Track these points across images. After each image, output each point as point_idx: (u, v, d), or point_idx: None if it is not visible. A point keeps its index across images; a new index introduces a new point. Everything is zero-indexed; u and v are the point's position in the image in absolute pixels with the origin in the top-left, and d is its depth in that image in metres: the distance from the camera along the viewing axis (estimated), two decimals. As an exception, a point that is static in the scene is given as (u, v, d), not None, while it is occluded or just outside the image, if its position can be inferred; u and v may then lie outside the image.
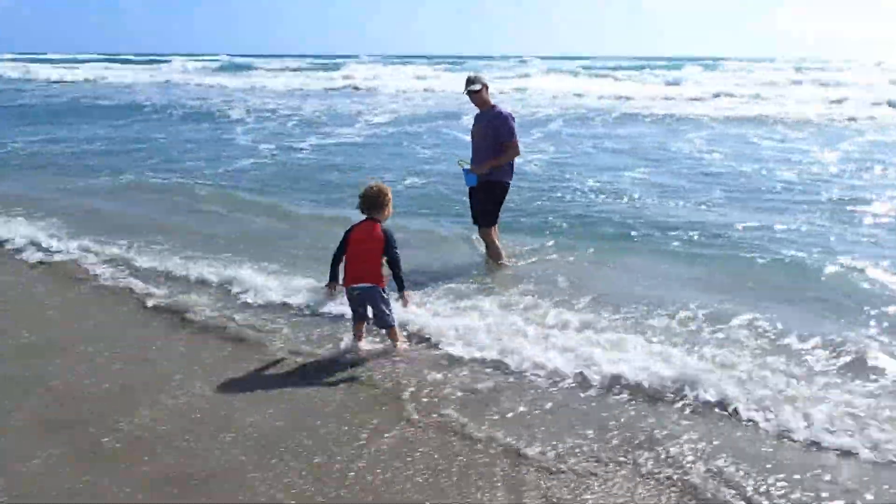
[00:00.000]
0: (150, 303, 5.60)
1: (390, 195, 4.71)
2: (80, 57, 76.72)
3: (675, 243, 7.34)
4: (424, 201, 9.52)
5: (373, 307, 4.66)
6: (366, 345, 4.79)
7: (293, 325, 5.18)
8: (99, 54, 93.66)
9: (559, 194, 9.84)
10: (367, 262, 4.57)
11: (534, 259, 6.76)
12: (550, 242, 7.25)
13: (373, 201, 4.63)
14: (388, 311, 4.64)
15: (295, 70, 48.20)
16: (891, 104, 22.22)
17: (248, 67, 52.92)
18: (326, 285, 4.85)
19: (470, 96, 6.27)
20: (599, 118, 20.53)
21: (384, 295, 4.63)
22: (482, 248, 6.75)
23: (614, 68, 46.39)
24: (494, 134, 6.18)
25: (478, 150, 6.30)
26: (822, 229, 7.92)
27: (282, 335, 4.99)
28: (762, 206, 9.18)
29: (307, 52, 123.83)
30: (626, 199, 9.55)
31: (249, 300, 5.61)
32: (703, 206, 9.15)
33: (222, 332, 5.05)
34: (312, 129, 18.32)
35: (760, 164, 12.42)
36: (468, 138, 6.62)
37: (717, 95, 26.69)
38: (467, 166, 6.34)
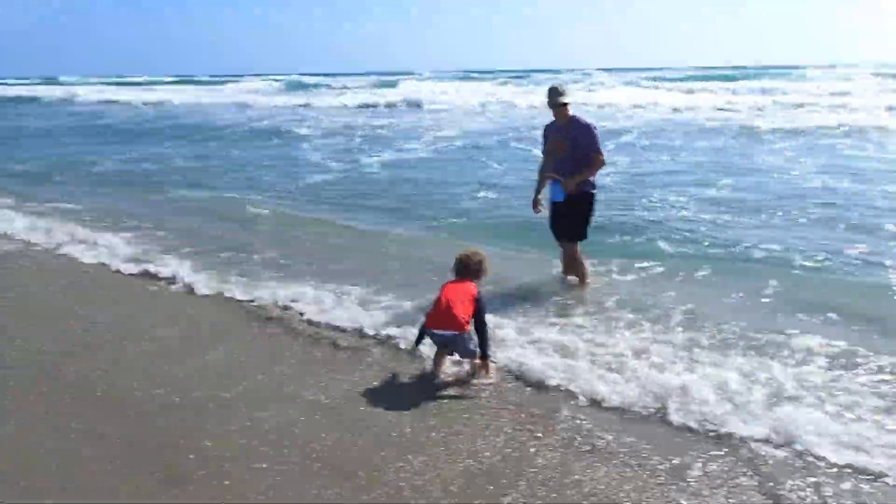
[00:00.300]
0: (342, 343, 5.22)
1: (487, 263, 4.70)
2: (152, 79, 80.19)
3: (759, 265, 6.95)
4: (498, 218, 9.29)
5: (457, 351, 4.52)
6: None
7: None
8: (167, 75, 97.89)
9: (638, 210, 9.46)
10: (454, 310, 4.37)
11: (618, 278, 6.48)
12: (634, 262, 6.91)
13: (470, 269, 4.61)
14: (473, 347, 4.45)
15: (356, 88, 48.45)
16: None
17: (312, 86, 53.99)
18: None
19: (557, 109, 5.96)
20: (680, 129, 19.82)
21: (469, 337, 4.43)
22: (557, 268, 6.51)
23: (684, 79, 44.90)
24: (580, 146, 5.90)
25: (562, 163, 5.98)
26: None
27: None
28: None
29: (370, 70, 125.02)
30: (705, 215, 9.09)
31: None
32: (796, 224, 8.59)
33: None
34: (381, 145, 18.38)
35: (857, 178, 11.65)
36: (537, 152, 6.35)
37: (799, 105, 25.37)
38: (557, 179, 6.01)
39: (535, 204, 6.28)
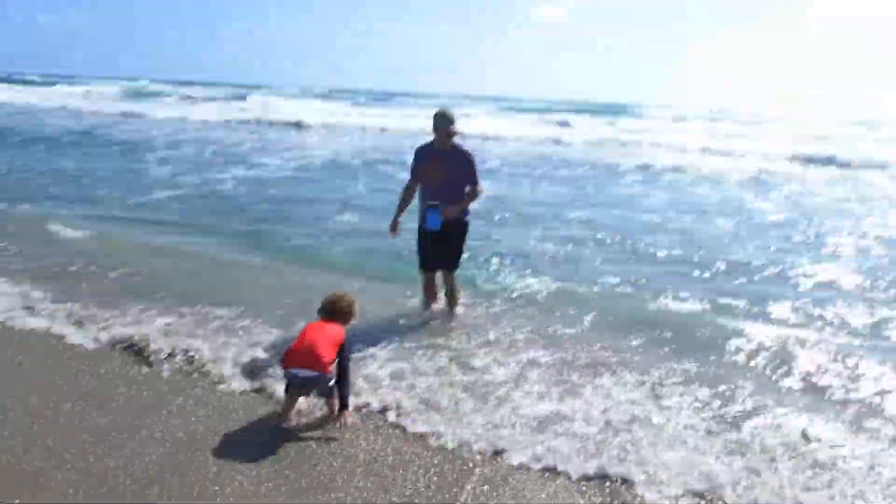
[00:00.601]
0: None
1: (357, 307, 4.46)
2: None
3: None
4: (361, 242, 8.90)
5: (317, 392, 4.16)
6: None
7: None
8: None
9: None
10: (316, 350, 3.99)
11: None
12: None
13: (338, 312, 4.32)
14: (332, 387, 4.11)
15: (205, 98, 45.53)
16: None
17: (156, 93, 50.17)
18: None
19: (445, 135, 5.70)
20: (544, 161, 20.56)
21: (330, 378, 4.07)
22: (416, 297, 6.31)
23: (543, 110, 46.64)
24: (462, 175, 5.73)
25: (442, 190, 5.71)
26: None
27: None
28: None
29: (221, 80, 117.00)
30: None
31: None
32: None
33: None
34: (236, 160, 17.30)
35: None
36: (404, 175, 6.04)
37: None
38: (436, 207, 5.68)
39: (395, 227, 5.93)
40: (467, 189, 5.75)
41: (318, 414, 4.18)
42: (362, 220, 10.25)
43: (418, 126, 26.99)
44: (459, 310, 6.10)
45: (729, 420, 4.36)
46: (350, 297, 4.42)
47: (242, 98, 43.70)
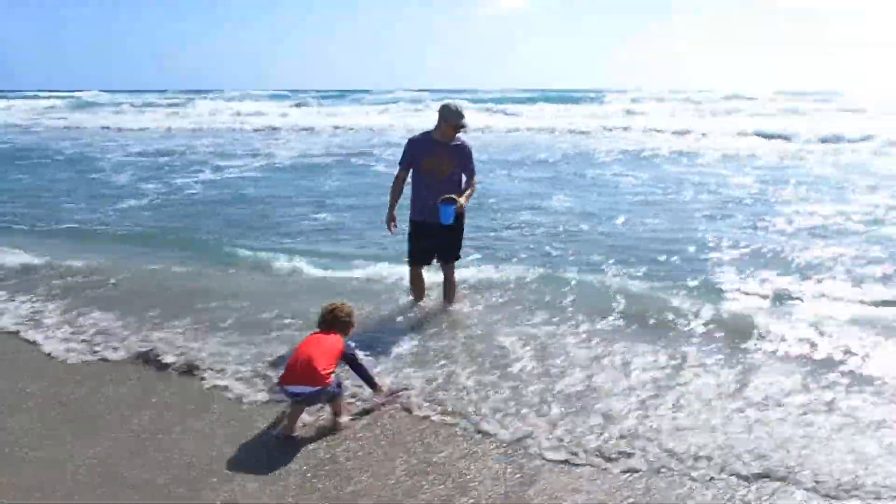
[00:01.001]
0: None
1: (354, 316, 4.40)
2: None
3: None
4: (343, 241, 8.77)
5: (320, 402, 4.09)
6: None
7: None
8: None
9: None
10: (314, 364, 3.89)
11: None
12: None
13: (337, 323, 4.23)
14: (338, 390, 4.06)
15: (154, 106, 42.90)
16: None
17: (102, 104, 47.63)
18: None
19: (456, 128, 5.59)
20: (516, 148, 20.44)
21: (332, 387, 3.99)
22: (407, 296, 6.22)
23: (501, 101, 44.75)
24: (466, 169, 5.76)
25: (449, 182, 5.68)
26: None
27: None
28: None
29: (166, 87, 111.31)
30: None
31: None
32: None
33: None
34: (198, 164, 16.81)
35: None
36: (381, 168, 5.90)
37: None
38: (452, 201, 5.54)
39: (393, 220, 5.78)
40: (464, 180, 5.77)
41: (319, 422, 4.09)
42: (338, 219, 10.13)
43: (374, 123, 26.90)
44: (456, 305, 6.03)
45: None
46: (347, 306, 4.32)
47: (188, 105, 41.81)
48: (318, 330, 4.22)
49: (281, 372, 4.06)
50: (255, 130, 27.67)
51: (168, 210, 11.02)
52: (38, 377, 4.78)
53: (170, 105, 43.70)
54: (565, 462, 3.68)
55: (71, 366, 4.99)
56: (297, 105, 43.05)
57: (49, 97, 55.83)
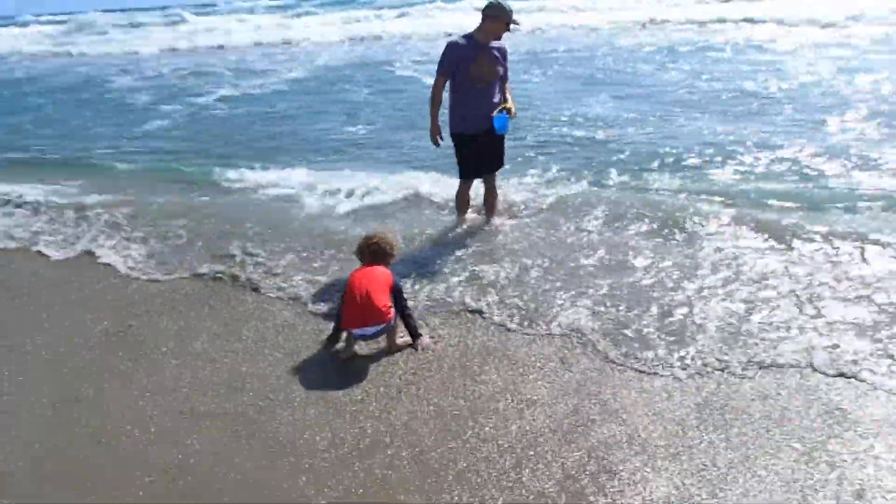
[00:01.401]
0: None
1: (397, 244, 4.30)
2: None
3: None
4: (384, 153, 8.51)
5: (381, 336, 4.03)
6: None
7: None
8: None
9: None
10: (374, 302, 3.82)
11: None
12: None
13: (380, 254, 4.11)
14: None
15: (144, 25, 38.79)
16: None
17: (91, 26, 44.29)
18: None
19: (504, 26, 5.20)
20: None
21: (395, 323, 4.00)
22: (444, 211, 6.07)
23: None
24: (505, 69, 5.39)
25: (495, 86, 5.34)
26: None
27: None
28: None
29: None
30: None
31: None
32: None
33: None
34: (214, 82, 16.29)
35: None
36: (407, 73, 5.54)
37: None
38: (506, 109, 5.29)
39: (437, 133, 5.43)
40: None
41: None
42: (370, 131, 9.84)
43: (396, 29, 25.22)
44: (496, 220, 5.86)
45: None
46: (388, 236, 4.20)
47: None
48: (361, 265, 4.07)
49: (332, 305, 4.13)
50: (261, 44, 25.65)
51: (194, 129, 10.81)
52: (105, 298, 4.88)
53: (170, 23, 40.76)
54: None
55: (135, 287, 5.08)
56: (298, 16, 40.53)
57: (47, 22, 52.66)
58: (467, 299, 4.53)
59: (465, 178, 5.66)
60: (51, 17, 58.32)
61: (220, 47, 25.05)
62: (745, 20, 20.21)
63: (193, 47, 25.55)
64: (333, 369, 3.91)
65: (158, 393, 3.72)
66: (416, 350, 4.01)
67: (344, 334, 4.03)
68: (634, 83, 12.01)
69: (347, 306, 3.86)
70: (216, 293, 4.89)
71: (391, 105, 11.63)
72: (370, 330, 3.86)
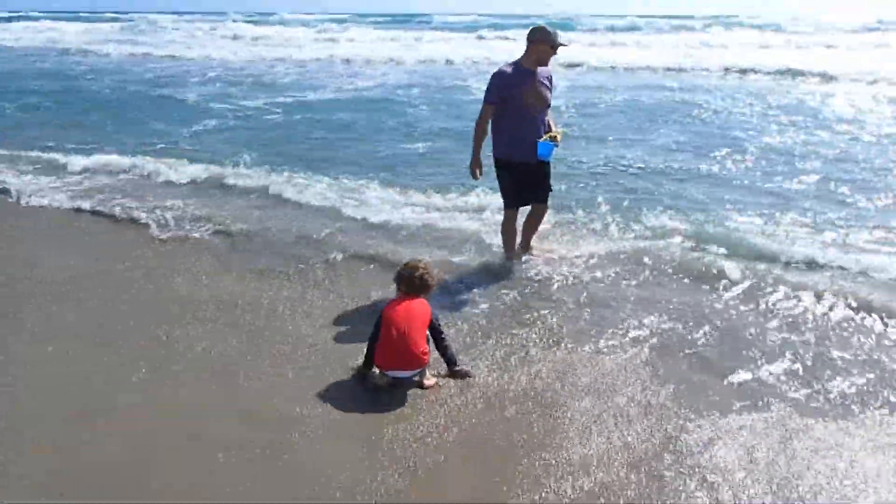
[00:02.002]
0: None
1: (435, 274, 4.02)
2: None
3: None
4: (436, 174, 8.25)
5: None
6: None
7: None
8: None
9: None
10: (412, 347, 3.61)
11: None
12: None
13: (420, 285, 3.83)
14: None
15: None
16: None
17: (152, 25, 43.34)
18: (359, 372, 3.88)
19: (553, 52, 5.10)
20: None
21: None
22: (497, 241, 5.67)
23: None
24: (549, 97, 5.26)
25: (544, 114, 5.22)
26: None
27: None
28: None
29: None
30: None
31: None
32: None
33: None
34: (275, 90, 16.44)
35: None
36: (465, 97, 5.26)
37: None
38: (554, 138, 5.17)
39: (479, 166, 5.22)
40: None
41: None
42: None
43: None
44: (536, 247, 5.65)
45: None
46: (429, 268, 3.93)
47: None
48: (400, 293, 3.83)
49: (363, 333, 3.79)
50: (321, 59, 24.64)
51: (251, 135, 10.80)
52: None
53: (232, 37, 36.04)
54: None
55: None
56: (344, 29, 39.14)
57: (99, 20, 53.31)
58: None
59: (510, 206, 5.40)
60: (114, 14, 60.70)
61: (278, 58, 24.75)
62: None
63: (272, 56, 25.24)
64: (360, 399, 3.62)
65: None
66: (455, 379, 3.80)
67: (375, 369, 3.77)
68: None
69: (384, 345, 3.65)
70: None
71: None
72: (405, 374, 3.67)
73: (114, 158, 8.66)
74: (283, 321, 4.47)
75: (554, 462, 3.10)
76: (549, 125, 5.26)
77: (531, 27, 5.13)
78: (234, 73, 19.88)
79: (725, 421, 3.39)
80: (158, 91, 15.94)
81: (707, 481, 2.97)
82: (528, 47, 5.08)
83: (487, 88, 5.06)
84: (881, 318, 4.41)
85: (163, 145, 9.86)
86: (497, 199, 5.62)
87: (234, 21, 47.12)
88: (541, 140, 5.09)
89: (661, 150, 9.44)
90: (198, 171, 8.11)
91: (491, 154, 5.24)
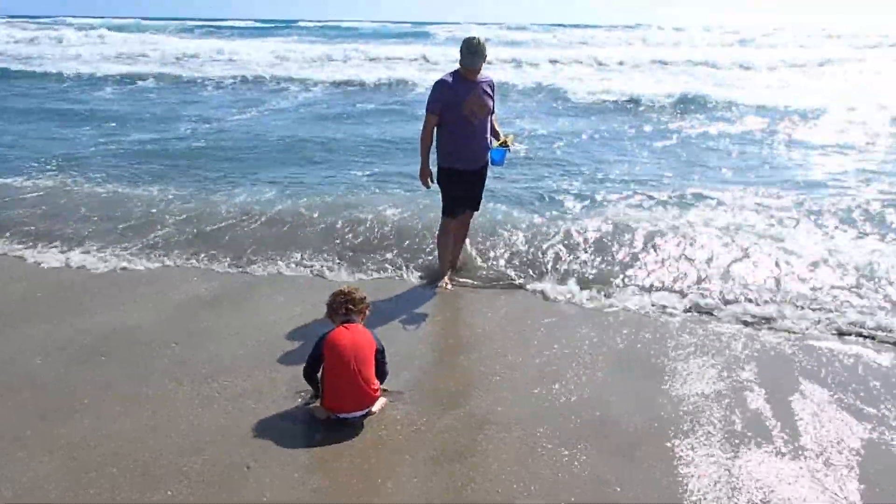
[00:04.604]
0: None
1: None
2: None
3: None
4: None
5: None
6: None
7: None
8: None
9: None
10: (366, 385, 3.53)
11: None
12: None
13: (357, 310, 3.72)
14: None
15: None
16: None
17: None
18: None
19: (479, 64, 5.20)
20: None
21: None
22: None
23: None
24: (493, 102, 5.39)
25: (486, 122, 5.33)
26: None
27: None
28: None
29: None
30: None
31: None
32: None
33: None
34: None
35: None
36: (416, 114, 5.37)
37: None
38: (506, 143, 5.32)
39: (428, 176, 5.42)
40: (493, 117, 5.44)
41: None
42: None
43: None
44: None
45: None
46: (359, 290, 3.82)
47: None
48: (337, 324, 3.68)
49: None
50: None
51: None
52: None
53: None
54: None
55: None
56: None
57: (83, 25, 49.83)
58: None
59: (450, 216, 5.53)
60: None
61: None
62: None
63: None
64: (308, 433, 3.54)
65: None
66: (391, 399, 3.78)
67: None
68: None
69: (335, 388, 3.49)
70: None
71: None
72: (359, 414, 3.56)
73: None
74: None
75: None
76: (496, 131, 5.38)
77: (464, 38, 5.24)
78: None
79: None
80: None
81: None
82: (461, 58, 5.18)
83: (429, 99, 5.17)
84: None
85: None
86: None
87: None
88: (493, 147, 5.25)
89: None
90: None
91: (428, 164, 5.34)
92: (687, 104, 15.40)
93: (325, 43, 34.48)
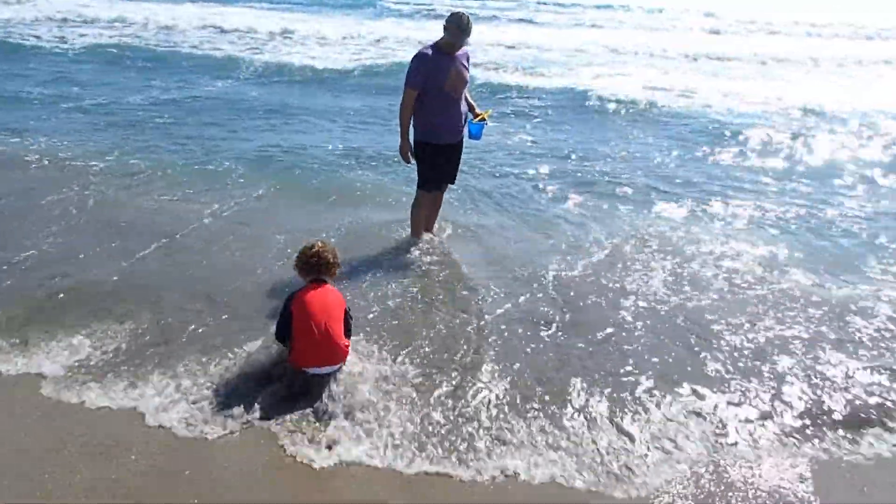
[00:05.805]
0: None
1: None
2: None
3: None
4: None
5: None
6: None
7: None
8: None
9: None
10: (335, 339, 3.57)
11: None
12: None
13: (327, 267, 3.73)
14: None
15: None
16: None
17: None
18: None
19: (465, 39, 5.16)
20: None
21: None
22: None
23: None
24: (468, 75, 5.36)
25: (460, 98, 5.34)
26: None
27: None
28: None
29: None
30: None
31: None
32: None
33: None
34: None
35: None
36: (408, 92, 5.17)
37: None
38: (483, 118, 5.40)
39: (409, 150, 5.32)
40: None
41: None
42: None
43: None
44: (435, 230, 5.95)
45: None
46: (329, 246, 3.81)
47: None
48: (307, 283, 3.70)
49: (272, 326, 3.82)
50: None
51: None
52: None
53: None
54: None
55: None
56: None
57: None
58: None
59: (428, 189, 5.56)
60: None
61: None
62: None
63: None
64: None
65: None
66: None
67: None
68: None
69: (304, 341, 3.53)
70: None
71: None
72: (328, 370, 3.57)
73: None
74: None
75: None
76: (470, 104, 5.43)
77: (450, 13, 5.24)
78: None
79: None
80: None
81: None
82: (444, 31, 5.17)
83: (408, 72, 5.09)
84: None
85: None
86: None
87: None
88: (472, 121, 5.31)
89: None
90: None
91: (408, 140, 5.27)
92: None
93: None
